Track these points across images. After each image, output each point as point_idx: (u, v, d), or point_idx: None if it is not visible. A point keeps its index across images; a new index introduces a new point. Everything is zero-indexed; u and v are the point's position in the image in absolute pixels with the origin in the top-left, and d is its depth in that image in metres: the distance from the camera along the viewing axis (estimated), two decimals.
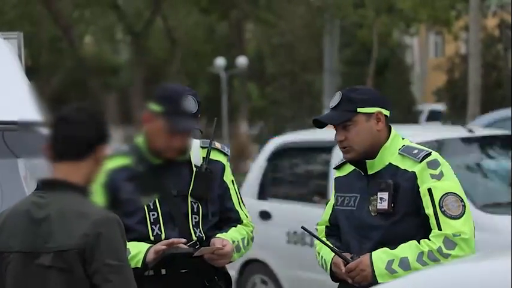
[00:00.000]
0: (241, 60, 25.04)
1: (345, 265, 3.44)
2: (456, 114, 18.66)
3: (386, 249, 3.39)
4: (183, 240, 3.55)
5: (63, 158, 2.83)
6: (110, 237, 2.75)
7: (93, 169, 2.86)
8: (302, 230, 3.59)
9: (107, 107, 26.37)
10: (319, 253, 3.61)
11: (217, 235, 3.64)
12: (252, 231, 3.78)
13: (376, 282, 3.35)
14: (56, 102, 22.84)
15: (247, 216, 3.79)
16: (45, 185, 2.84)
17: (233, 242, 3.64)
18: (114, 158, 3.61)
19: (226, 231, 3.68)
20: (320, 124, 3.55)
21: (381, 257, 3.38)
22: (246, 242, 3.73)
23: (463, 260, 2.76)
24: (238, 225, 3.74)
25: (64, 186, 2.80)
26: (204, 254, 3.56)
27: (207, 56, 29.13)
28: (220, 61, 25.46)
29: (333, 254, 3.50)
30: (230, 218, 3.74)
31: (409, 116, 21.16)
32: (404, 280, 2.39)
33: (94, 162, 2.85)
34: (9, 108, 4.16)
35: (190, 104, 3.58)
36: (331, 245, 3.51)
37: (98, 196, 3.50)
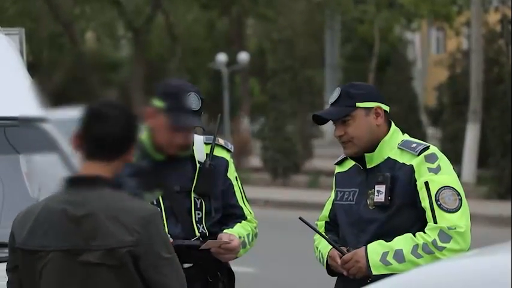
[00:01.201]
0: (243, 56, 25.02)
1: (341, 258, 3.45)
2: (458, 110, 18.64)
3: (381, 241, 3.41)
4: None
5: (94, 157, 2.77)
6: (159, 231, 2.75)
7: (121, 167, 2.82)
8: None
9: None
10: (317, 247, 3.63)
11: (224, 231, 3.65)
12: (255, 227, 3.80)
13: (370, 274, 3.37)
14: (58, 98, 22.84)
15: (250, 213, 3.80)
16: (78, 183, 2.77)
17: (239, 237, 3.64)
18: None
19: (232, 227, 3.69)
20: (320, 120, 3.56)
21: (375, 249, 3.40)
22: (251, 237, 3.74)
23: (463, 256, 2.76)
24: (243, 221, 3.75)
25: (99, 183, 2.75)
26: (210, 248, 3.56)
27: (207, 52, 29.14)
28: (221, 57, 25.45)
29: (330, 247, 3.52)
30: (234, 214, 3.75)
31: (411, 112, 21.14)
32: (406, 275, 2.39)
33: (124, 160, 2.81)
34: (10, 104, 4.16)
35: (193, 100, 3.58)
36: (328, 238, 3.53)
37: None
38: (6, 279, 2.89)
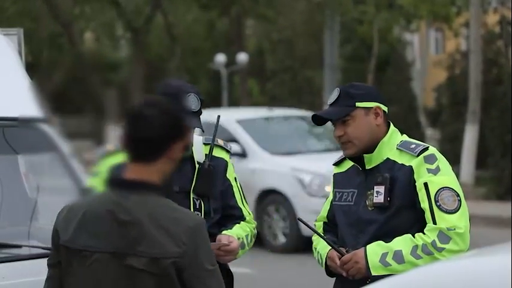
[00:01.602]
0: (242, 57, 25.02)
1: (340, 258, 3.45)
2: (457, 110, 18.64)
3: (380, 242, 3.41)
4: None
5: (137, 159, 2.76)
6: (205, 242, 2.75)
7: (168, 166, 2.79)
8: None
9: (106, 103, 26.36)
10: (315, 248, 3.63)
11: (223, 232, 3.65)
12: (254, 228, 3.80)
13: (370, 275, 3.37)
14: (57, 98, 22.83)
15: (249, 214, 3.80)
16: (125, 185, 2.76)
17: (238, 238, 3.64)
18: (116, 155, 3.61)
19: (231, 228, 3.68)
20: (319, 120, 3.55)
21: (375, 249, 3.40)
22: (249, 238, 3.74)
23: (461, 257, 2.76)
24: (242, 222, 3.75)
25: (145, 188, 2.74)
26: None
27: (207, 52, 29.14)
28: (220, 57, 25.45)
29: (329, 248, 3.51)
30: (233, 215, 3.75)
31: (410, 112, 21.14)
32: (405, 276, 2.39)
33: (169, 159, 2.78)
34: (8, 104, 4.16)
35: (192, 101, 3.58)
36: (327, 239, 3.53)
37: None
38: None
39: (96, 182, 3.60)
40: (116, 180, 2.81)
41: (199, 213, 3.65)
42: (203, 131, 3.72)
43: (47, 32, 26.06)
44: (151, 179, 2.75)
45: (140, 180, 2.74)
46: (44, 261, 3.90)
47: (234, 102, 26.70)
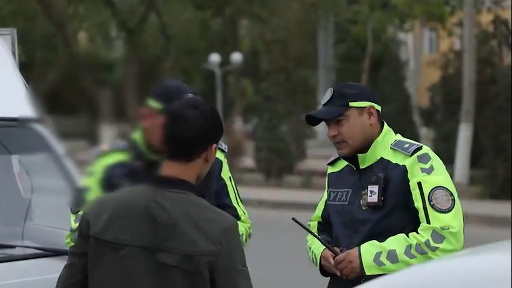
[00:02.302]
0: (236, 57, 25.02)
1: (334, 258, 3.46)
2: (450, 110, 18.66)
3: (374, 241, 3.41)
4: None
5: (174, 158, 2.80)
6: (238, 243, 2.78)
7: (203, 167, 2.84)
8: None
9: (100, 103, 26.33)
10: (310, 248, 3.63)
11: None
12: (249, 228, 3.80)
13: (364, 275, 3.38)
14: (51, 98, 22.79)
15: (244, 213, 3.80)
16: (161, 182, 2.79)
17: None
18: (111, 154, 3.61)
19: None
20: (313, 120, 3.55)
21: (369, 249, 3.40)
22: (244, 238, 3.75)
23: (455, 256, 2.76)
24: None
25: (181, 185, 2.77)
26: None
27: (201, 52, 29.12)
28: (214, 57, 25.44)
29: (323, 248, 3.52)
30: None
31: (404, 112, 21.16)
32: (398, 275, 2.39)
33: (205, 160, 2.82)
34: (3, 104, 4.15)
35: None
36: (321, 238, 3.53)
37: (94, 192, 3.50)
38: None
39: (90, 181, 3.60)
40: (153, 175, 2.83)
41: None
42: None
43: (41, 32, 26.03)
44: (187, 178, 2.79)
45: (177, 177, 2.78)
46: (38, 261, 3.89)
47: (228, 102, 26.70)
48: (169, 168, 2.80)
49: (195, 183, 2.82)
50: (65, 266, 2.89)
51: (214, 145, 2.84)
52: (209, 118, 2.83)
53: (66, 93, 29.42)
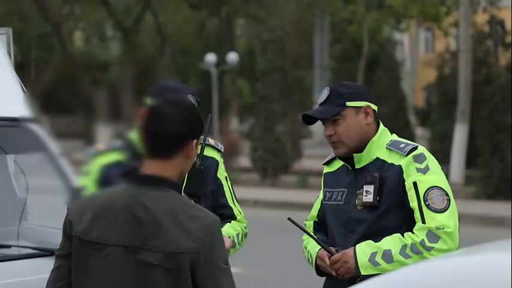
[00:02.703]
0: (232, 56, 25.02)
1: (330, 258, 3.46)
2: (446, 110, 18.68)
3: (370, 241, 3.41)
4: None
5: (155, 155, 2.78)
6: (220, 241, 2.76)
7: (185, 164, 2.81)
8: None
9: (96, 103, 26.31)
10: (305, 247, 3.63)
11: None
12: (245, 227, 3.79)
13: (359, 275, 3.38)
14: (47, 98, 22.76)
15: (240, 213, 3.80)
16: (143, 180, 2.77)
17: (229, 237, 3.64)
18: (108, 154, 3.60)
19: (222, 227, 3.68)
20: (310, 120, 3.55)
21: (364, 249, 3.40)
22: (240, 237, 3.74)
23: (450, 255, 2.76)
24: (233, 221, 3.75)
25: (163, 183, 2.75)
26: None
27: (197, 52, 29.12)
28: (210, 57, 25.43)
29: (319, 248, 3.52)
30: (224, 214, 3.74)
31: (400, 112, 21.17)
32: (394, 275, 2.39)
33: (186, 157, 2.80)
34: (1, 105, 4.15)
35: None
36: (317, 238, 3.53)
37: (90, 191, 3.49)
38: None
39: (86, 181, 3.59)
40: (134, 174, 2.82)
41: None
42: None
43: (36, 32, 26.00)
44: (169, 175, 2.77)
45: (158, 175, 2.76)
46: (33, 261, 3.88)
47: (224, 102, 26.69)
48: (151, 167, 2.78)
49: (178, 180, 2.80)
50: (52, 270, 2.88)
51: (195, 141, 2.81)
52: (189, 114, 2.79)
53: (62, 93, 29.39)
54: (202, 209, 2.81)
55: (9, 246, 3.95)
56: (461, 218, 3.56)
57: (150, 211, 2.72)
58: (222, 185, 3.75)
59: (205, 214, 2.77)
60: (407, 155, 3.44)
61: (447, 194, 3.42)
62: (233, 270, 2.81)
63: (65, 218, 2.85)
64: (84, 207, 2.82)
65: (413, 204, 3.41)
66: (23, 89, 4.32)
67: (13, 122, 4.13)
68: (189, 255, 2.69)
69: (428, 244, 3.35)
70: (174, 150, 2.77)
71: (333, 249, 3.49)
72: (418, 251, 3.36)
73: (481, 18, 19.10)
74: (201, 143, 3.71)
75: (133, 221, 2.73)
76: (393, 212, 3.44)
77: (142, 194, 2.75)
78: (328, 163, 3.66)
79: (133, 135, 3.64)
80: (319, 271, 3.58)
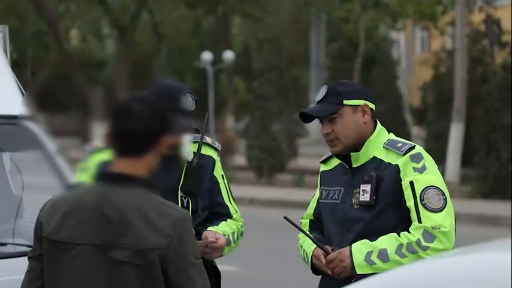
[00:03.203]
0: (228, 55, 25.01)
1: (325, 257, 3.46)
2: (442, 109, 18.69)
3: (366, 240, 3.41)
4: None
5: (124, 153, 2.76)
6: (190, 236, 2.75)
7: (155, 161, 2.79)
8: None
9: (92, 101, 26.28)
10: (301, 246, 3.63)
11: (209, 228, 3.64)
12: (241, 226, 3.79)
13: (355, 274, 3.38)
14: (43, 96, 22.73)
15: (236, 211, 3.80)
16: (112, 179, 2.76)
17: (224, 235, 3.64)
18: (104, 151, 3.60)
19: (217, 225, 3.68)
20: (307, 118, 3.55)
21: (360, 248, 3.40)
22: (236, 236, 3.74)
23: (446, 255, 2.76)
24: (229, 220, 3.75)
25: (132, 181, 2.74)
26: None
27: (193, 50, 29.10)
28: (206, 55, 25.41)
29: (314, 246, 3.52)
30: (220, 213, 3.74)
31: (396, 111, 21.18)
32: (389, 274, 2.39)
33: (156, 154, 2.78)
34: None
35: (188, 102, 3.57)
36: (312, 237, 3.53)
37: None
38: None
39: (84, 178, 3.59)
40: (102, 173, 2.81)
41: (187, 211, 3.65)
42: (198, 131, 3.72)
43: (32, 30, 25.97)
44: (138, 173, 2.75)
45: (127, 173, 2.75)
46: None
47: (220, 101, 26.68)
48: (120, 165, 2.76)
49: (149, 177, 2.77)
50: (25, 273, 2.87)
51: (168, 138, 2.78)
52: (157, 111, 2.76)
53: (58, 91, 29.35)
54: (172, 205, 2.80)
55: (5, 244, 3.95)
56: (457, 217, 3.56)
57: (118, 209, 2.72)
58: (219, 183, 3.75)
59: (174, 210, 2.76)
60: (404, 154, 3.44)
61: (444, 194, 3.42)
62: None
63: (36, 219, 2.84)
64: (54, 208, 2.81)
65: (410, 203, 3.40)
66: (20, 88, 4.31)
67: (9, 119, 4.12)
68: (159, 251, 2.68)
69: (424, 244, 3.35)
70: (143, 148, 2.75)
71: (328, 248, 3.49)
72: (414, 251, 3.36)
73: (477, 17, 19.11)
74: (198, 142, 3.71)
75: (102, 219, 2.72)
76: (390, 211, 3.44)
77: (110, 192, 2.74)
78: (325, 161, 3.65)
79: None
80: (315, 270, 3.57)
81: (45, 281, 2.80)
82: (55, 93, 28.83)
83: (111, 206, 2.72)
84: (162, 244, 2.68)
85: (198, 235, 3.63)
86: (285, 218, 3.53)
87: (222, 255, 3.68)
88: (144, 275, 2.70)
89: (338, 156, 3.54)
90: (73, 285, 2.75)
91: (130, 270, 2.70)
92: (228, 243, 3.68)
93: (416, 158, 3.44)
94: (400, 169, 3.42)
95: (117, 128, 2.76)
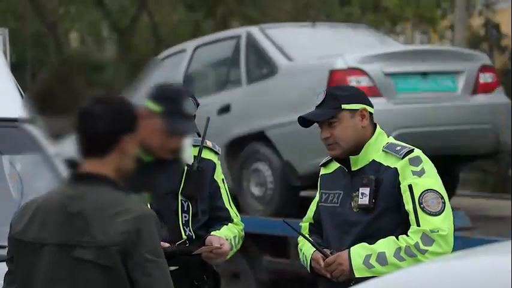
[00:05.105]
0: None
1: (324, 260, 3.46)
2: None
3: (364, 244, 3.42)
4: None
5: (88, 154, 2.84)
6: (150, 233, 2.77)
7: (121, 161, 2.84)
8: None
9: None
10: (301, 249, 3.64)
11: (212, 233, 3.64)
12: (242, 230, 3.80)
13: (353, 277, 3.38)
14: (42, 98, 22.73)
15: (237, 215, 3.80)
16: (78, 178, 2.84)
17: (226, 239, 3.64)
18: None
19: (219, 229, 3.68)
20: (306, 122, 3.57)
21: (358, 251, 3.41)
22: (237, 240, 3.74)
23: (445, 258, 2.77)
24: (229, 224, 3.75)
25: (97, 180, 2.81)
26: (202, 252, 3.57)
27: None
28: None
29: (313, 250, 3.52)
30: (220, 217, 3.75)
31: None
32: (388, 278, 2.40)
33: (120, 154, 2.83)
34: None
35: (190, 105, 3.58)
36: (312, 240, 3.54)
37: None
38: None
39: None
40: (71, 174, 2.90)
41: (187, 215, 3.65)
42: (199, 135, 3.72)
43: (31, 32, 25.97)
44: (104, 172, 2.82)
45: (92, 172, 2.82)
46: None
47: None
48: (87, 165, 2.84)
49: (119, 177, 2.83)
50: (4, 275, 2.92)
51: (130, 137, 2.83)
52: (117, 111, 2.84)
53: (57, 94, 29.34)
54: (134, 203, 2.84)
55: (4, 247, 3.95)
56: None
57: (81, 207, 2.77)
58: (219, 187, 3.76)
59: (135, 207, 2.80)
60: (403, 157, 3.45)
61: (442, 197, 3.43)
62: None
63: (10, 222, 2.90)
64: (25, 210, 2.88)
65: (408, 207, 3.41)
66: (20, 91, 4.32)
67: (9, 122, 4.13)
68: (117, 248, 2.72)
69: (422, 247, 3.36)
70: (105, 148, 2.82)
71: (327, 251, 3.50)
72: (412, 254, 3.36)
73: (477, 21, 19.13)
74: (199, 145, 3.72)
75: (67, 218, 2.78)
76: (388, 214, 3.45)
77: (75, 191, 2.81)
78: (325, 165, 3.67)
79: None
80: (314, 273, 3.58)
81: (17, 282, 2.86)
82: (54, 95, 28.83)
83: (75, 205, 2.78)
84: (119, 241, 2.72)
85: (199, 239, 3.64)
86: (284, 221, 3.54)
87: (225, 260, 3.69)
88: (109, 275, 2.73)
89: (337, 159, 3.56)
90: (40, 285, 2.79)
91: (94, 270, 2.74)
92: (230, 247, 3.68)
93: (415, 161, 3.45)
94: (399, 172, 3.43)
95: (80, 130, 2.86)
